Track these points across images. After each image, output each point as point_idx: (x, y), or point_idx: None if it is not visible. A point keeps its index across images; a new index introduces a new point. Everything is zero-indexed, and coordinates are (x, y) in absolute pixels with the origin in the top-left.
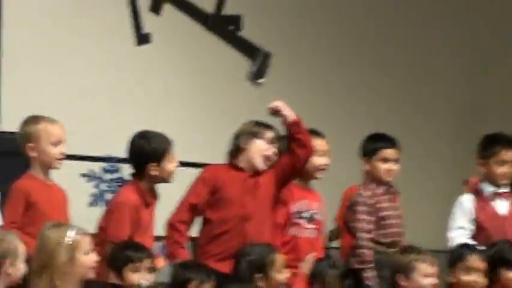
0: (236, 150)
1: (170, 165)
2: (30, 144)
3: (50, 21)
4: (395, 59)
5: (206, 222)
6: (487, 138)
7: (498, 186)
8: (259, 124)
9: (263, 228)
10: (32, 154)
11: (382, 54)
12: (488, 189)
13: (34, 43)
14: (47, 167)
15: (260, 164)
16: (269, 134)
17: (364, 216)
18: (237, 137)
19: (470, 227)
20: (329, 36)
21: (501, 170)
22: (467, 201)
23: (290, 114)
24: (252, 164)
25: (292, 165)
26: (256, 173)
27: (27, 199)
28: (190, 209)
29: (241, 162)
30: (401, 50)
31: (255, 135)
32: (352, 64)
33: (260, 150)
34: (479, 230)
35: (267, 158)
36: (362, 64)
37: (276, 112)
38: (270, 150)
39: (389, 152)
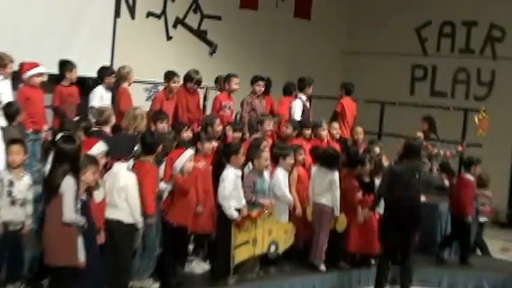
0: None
1: (173, 84)
2: (129, 78)
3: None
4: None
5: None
6: (301, 78)
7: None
8: (195, 72)
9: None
10: (128, 81)
11: None
12: (303, 97)
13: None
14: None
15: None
16: (197, 77)
17: (246, 105)
18: (187, 75)
19: None
20: (240, 43)
21: (309, 91)
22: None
23: None
24: (191, 90)
25: None
26: (194, 92)
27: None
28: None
29: (190, 89)
30: None
31: (191, 78)
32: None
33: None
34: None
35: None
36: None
37: None
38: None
39: (259, 82)
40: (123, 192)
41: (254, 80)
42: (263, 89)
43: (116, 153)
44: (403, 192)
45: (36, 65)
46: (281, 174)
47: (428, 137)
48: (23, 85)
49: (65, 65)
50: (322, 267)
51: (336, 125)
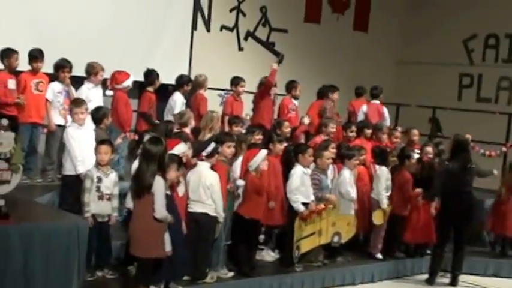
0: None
1: (240, 88)
2: (205, 85)
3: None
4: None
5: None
6: (374, 87)
7: None
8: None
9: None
10: (204, 88)
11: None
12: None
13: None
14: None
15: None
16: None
17: (328, 112)
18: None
19: None
20: (304, 53)
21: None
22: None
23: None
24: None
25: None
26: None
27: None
28: None
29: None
30: None
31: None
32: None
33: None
34: None
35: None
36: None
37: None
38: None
39: (336, 93)
40: (208, 190)
41: (333, 90)
42: (336, 98)
43: (197, 153)
44: (457, 187)
45: (127, 74)
46: (347, 173)
47: (434, 136)
48: (118, 91)
49: (152, 74)
50: (379, 256)
51: (415, 131)
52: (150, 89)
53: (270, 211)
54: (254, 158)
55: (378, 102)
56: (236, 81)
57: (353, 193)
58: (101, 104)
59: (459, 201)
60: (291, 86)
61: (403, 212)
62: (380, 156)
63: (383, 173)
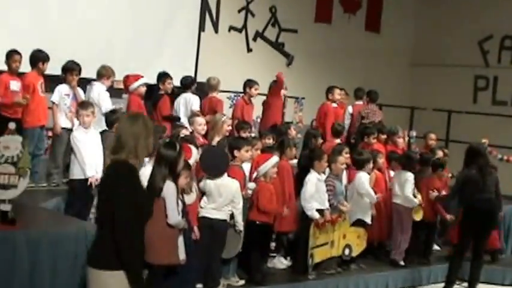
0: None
1: (254, 90)
2: (218, 88)
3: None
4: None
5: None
6: (361, 88)
7: None
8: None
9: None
10: (216, 91)
11: None
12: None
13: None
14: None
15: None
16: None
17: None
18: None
19: None
20: (314, 54)
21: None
22: None
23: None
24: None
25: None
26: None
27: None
28: None
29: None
30: None
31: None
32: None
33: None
34: None
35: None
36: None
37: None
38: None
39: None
40: (232, 201)
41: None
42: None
43: (213, 172)
44: (479, 194)
45: (137, 76)
46: (364, 175)
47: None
48: (131, 94)
49: (167, 76)
50: (402, 263)
51: (432, 135)
52: (163, 92)
53: (283, 217)
54: (264, 164)
55: (361, 103)
56: (250, 83)
57: (374, 194)
58: (110, 106)
59: (479, 208)
60: (328, 91)
61: (434, 218)
62: (407, 161)
63: (411, 178)
